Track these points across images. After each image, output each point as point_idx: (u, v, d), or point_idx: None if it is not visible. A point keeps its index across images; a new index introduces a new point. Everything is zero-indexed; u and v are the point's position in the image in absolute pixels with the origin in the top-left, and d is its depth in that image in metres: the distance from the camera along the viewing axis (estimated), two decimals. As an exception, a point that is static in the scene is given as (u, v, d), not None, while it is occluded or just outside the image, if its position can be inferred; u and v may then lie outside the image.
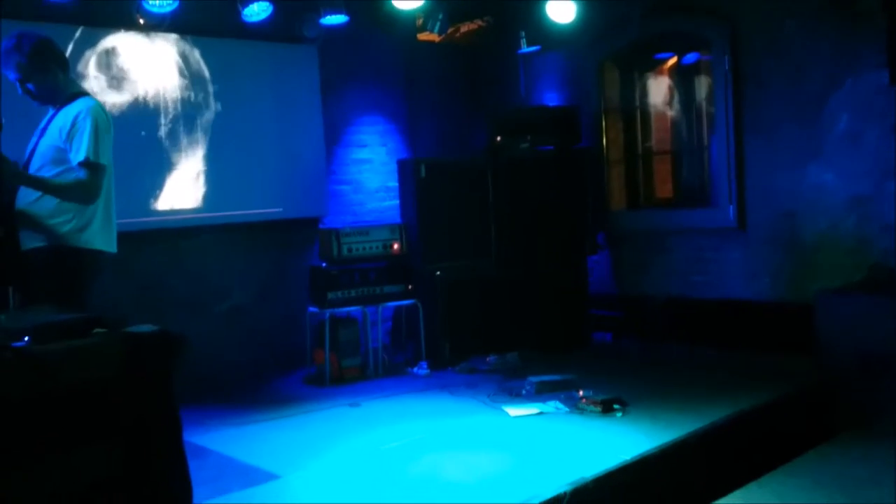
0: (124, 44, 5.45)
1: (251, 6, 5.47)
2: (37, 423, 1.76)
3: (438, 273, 6.17)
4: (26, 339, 1.89)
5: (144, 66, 5.53)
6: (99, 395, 1.92)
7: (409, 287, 6.13)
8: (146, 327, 2.05)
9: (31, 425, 1.77)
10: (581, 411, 4.64)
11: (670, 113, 6.99)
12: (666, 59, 6.94)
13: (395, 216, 6.73)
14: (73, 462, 1.87)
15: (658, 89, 7.04)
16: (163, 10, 5.22)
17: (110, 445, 1.89)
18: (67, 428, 1.86)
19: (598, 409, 4.59)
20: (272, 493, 3.74)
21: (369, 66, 6.78)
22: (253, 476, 3.95)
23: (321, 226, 6.36)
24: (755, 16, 5.94)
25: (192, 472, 2.91)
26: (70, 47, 5.17)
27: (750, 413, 4.48)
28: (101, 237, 3.78)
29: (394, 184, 6.83)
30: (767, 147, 5.94)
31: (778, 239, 5.92)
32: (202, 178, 5.82)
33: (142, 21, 5.34)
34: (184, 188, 5.74)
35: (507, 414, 4.72)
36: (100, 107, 3.84)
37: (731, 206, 6.14)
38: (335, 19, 5.86)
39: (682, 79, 6.88)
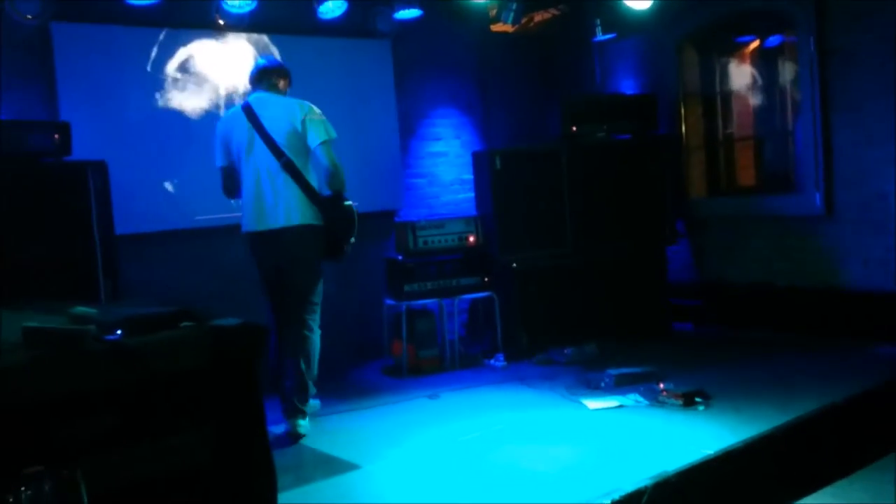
0: (204, 44, 5.60)
1: (326, 3, 5.55)
2: (128, 411, 1.83)
3: (515, 264, 6.15)
4: (119, 332, 1.97)
5: (224, 65, 5.66)
6: (187, 385, 1.98)
7: (486, 279, 6.13)
8: (231, 320, 2.11)
9: (122, 413, 1.84)
10: (662, 404, 4.56)
11: (752, 97, 6.78)
12: (747, 43, 6.73)
13: (469, 208, 6.73)
14: (164, 450, 1.93)
15: (739, 73, 6.84)
16: (241, 11, 5.35)
17: (198, 434, 1.95)
18: (157, 417, 1.93)
19: (680, 402, 4.50)
20: (353, 482, 3.80)
21: (443, 58, 6.79)
22: (334, 466, 4.02)
23: (397, 219, 6.41)
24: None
25: (275, 461, 2.98)
26: (154, 50, 5.34)
27: (840, 406, 4.32)
28: (245, 222, 4.51)
29: (468, 176, 6.83)
30: (857, 126, 5.70)
31: (869, 222, 5.67)
32: (281, 174, 5.93)
33: (221, 22, 5.47)
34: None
35: (585, 406, 4.68)
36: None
37: (818, 193, 5.93)
38: (409, 14, 5.90)
39: (765, 62, 6.67)
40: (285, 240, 4.39)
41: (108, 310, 2.27)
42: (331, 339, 6.02)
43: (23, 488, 1.33)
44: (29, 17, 4.69)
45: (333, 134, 4.45)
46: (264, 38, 5.83)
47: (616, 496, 3.28)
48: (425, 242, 6.02)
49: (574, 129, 6.45)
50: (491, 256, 6.19)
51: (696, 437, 3.96)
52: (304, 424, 4.45)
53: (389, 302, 6.04)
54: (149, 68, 5.33)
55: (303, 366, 4.42)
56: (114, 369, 1.84)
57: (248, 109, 4.46)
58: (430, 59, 6.71)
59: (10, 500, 1.33)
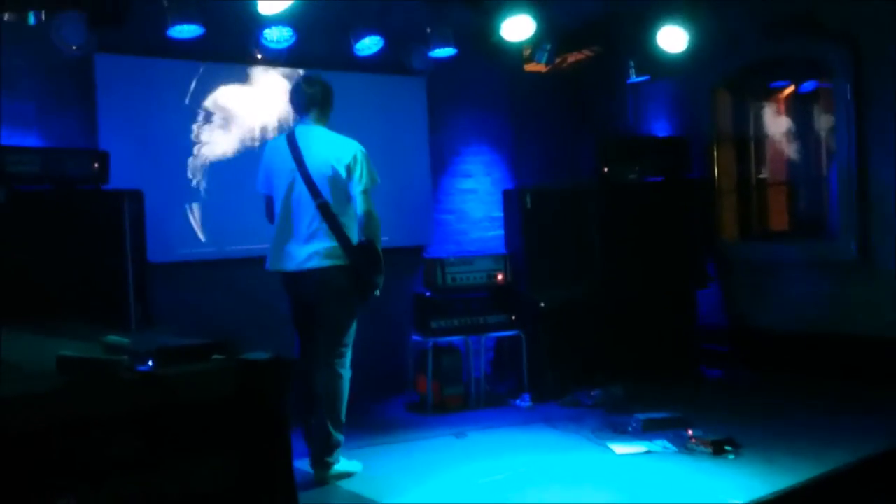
0: (242, 78, 5.68)
1: (363, 40, 5.62)
2: (154, 438, 1.84)
3: (543, 304, 6.11)
4: (150, 362, 1.98)
5: (261, 99, 5.74)
6: (215, 416, 1.99)
7: (513, 317, 6.09)
8: (260, 354, 2.11)
9: (148, 440, 1.84)
10: (690, 451, 4.47)
11: (786, 142, 6.74)
12: (782, 88, 6.71)
13: (498, 246, 6.72)
14: (187, 478, 1.93)
15: (773, 118, 6.81)
16: (280, 46, 5.43)
17: (223, 462, 1.95)
18: (183, 445, 1.93)
19: (709, 449, 4.41)
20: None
21: (476, 96, 6.84)
22: (355, 503, 3.98)
23: (425, 254, 6.42)
24: (879, 35, 5.67)
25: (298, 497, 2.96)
26: (193, 84, 5.43)
27: (875, 458, 4.21)
28: (270, 258, 4.42)
29: (498, 214, 6.84)
30: (894, 171, 5.63)
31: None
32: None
33: (259, 56, 5.56)
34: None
35: (612, 451, 4.60)
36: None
37: (853, 239, 5.85)
38: (444, 52, 5.95)
39: (800, 107, 6.64)
40: (314, 280, 4.28)
41: (140, 339, 2.28)
42: (356, 372, 6.02)
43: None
44: (74, 47, 4.80)
45: (377, 180, 4.36)
46: (301, 73, 5.91)
47: (643, 545, 3.21)
48: (454, 279, 6.01)
49: (606, 169, 6.44)
50: (519, 295, 6.16)
51: (726, 486, 3.88)
52: (332, 471, 4.30)
53: (416, 338, 6.02)
54: (187, 101, 5.43)
55: (330, 426, 4.24)
56: (143, 398, 1.85)
57: (291, 141, 4.34)
58: (463, 97, 6.76)
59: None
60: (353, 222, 4.32)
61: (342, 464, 4.33)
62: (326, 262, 4.24)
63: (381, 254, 4.31)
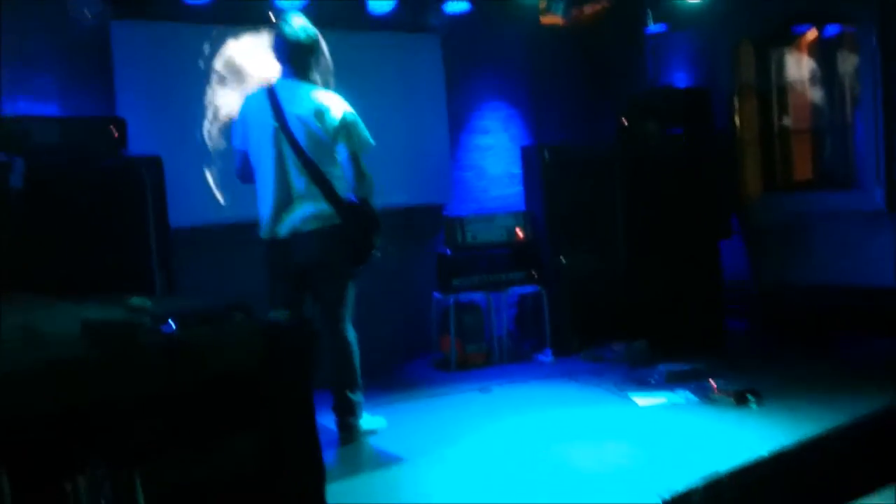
0: (256, 41, 5.65)
1: (376, -3, 5.56)
2: (180, 404, 1.86)
3: (563, 259, 6.10)
4: (172, 324, 2.00)
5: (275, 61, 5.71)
6: (238, 378, 2.01)
7: (534, 273, 6.10)
8: (283, 313, 2.13)
9: (174, 406, 1.86)
10: (713, 402, 4.48)
11: (810, 89, 6.61)
12: (805, 33, 6.56)
13: (518, 203, 6.70)
14: (213, 442, 1.96)
15: (796, 65, 6.67)
16: (293, 6, 5.37)
17: (249, 429, 1.97)
18: (208, 411, 1.95)
19: (732, 399, 4.42)
20: (400, 476, 3.81)
21: (492, 51, 6.76)
22: (381, 459, 4.05)
23: (445, 213, 6.41)
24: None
25: (322, 452, 3.01)
26: (207, 47, 5.42)
27: (899, 408, 4.20)
28: (263, 225, 4.21)
29: (517, 170, 6.80)
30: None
31: (934, 220, 5.51)
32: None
33: (274, 18, 5.52)
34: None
35: (635, 403, 4.62)
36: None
37: (880, 188, 5.75)
38: (458, 7, 5.89)
39: (823, 53, 6.49)
40: (311, 245, 4.06)
41: (162, 302, 2.31)
42: (381, 333, 6.08)
43: (81, 485, 1.36)
44: (89, 16, 4.80)
45: (369, 141, 4.16)
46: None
47: (667, 496, 3.24)
48: (474, 236, 6.02)
49: (625, 122, 6.37)
50: (539, 251, 6.16)
51: (748, 436, 3.89)
52: (357, 430, 4.27)
53: (438, 296, 6.05)
54: (202, 64, 5.42)
55: (348, 392, 4.19)
56: (166, 363, 1.87)
57: (272, 95, 4.06)
58: (479, 52, 6.68)
59: (69, 488, 1.36)
60: (343, 183, 4.11)
61: (366, 420, 4.33)
62: (321, 224, 4.04)
63: (376, 213, 4.15)
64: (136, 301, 2.16)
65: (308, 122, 4.01)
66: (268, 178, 4.09)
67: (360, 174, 4.07)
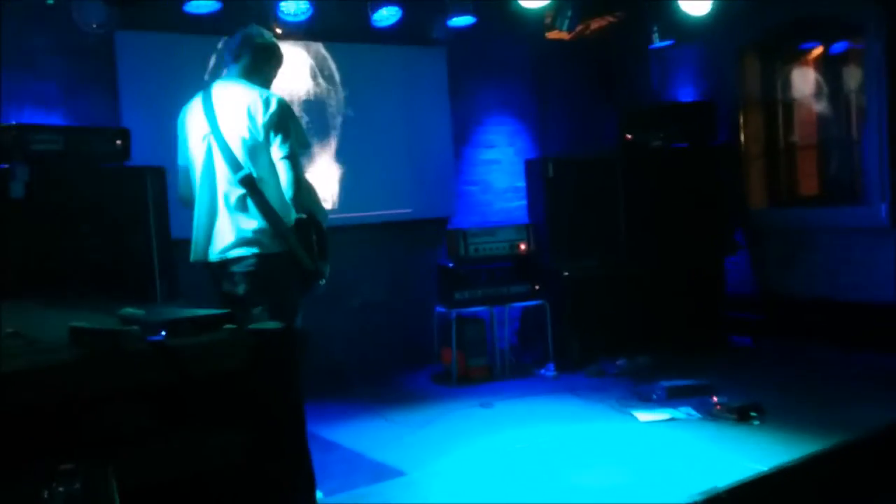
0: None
1: (380, 11, 5.58)
2: (164, 409, 1.86)
3: (567, 273, 6.08)
4: (162, 333, 2.00)
5: (279, 72, 5.73)
6: (226, 386, 2.01)
7: (537, 287, 6.07)
8: (272, 324, 2.12)
9: (158, 411, 1.87)
10: (715, 418, 4.44)
11: (816, 105, 6.59)
12: (811, 49, 6.55)
13: (522, 216, 6.69)
14: (199, 448, 1.96)
15: (803, 80, 6.66)
16: (298, 19, 5.40)
17: (235, 435, 1.97)
18: (194, 416, 1.95)
19: (734, 416, 4.38)
20: (399, 489, 3.79)
21: (497, 65, 6.77)
22: (380, 472, 4.02)
23: (449, 226, 6.41)
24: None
25: (321, 465, 2.99)
26: (212, 59, 5.44)
27: (903, 426, 4.15)
28: (192, 246, 3.60)
29: (522, 184, 6.80)
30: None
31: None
32: (335, 181, 5.99)
33: (278, 30, 5.54)
34: (319, 191, 5.91)
35: (636, 419, 4.59)
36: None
37: (884, 204, 5.72)
38: (463, 21, 5.89)
39: (830, 69, 6.48)
40: (240, 272, 3.43)
41: (154, 311, 2.31)
42: (381, 344, 6.08)
43: (55, 485, 1.36)
44: (94, 25, 4.82)
45: (307, 142, 3.64)
46: (320, 45, 5.90)
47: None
48: (476, 250, 6.00)
49: (630, 136, 6.37)
50: (542, 264, 6.14)
51: (750, 452, 3.85)
52: None
53: (440, 309, 6.04)
54: (206, 76, 5.43)
55: None
56: (153, 369, 1.87)
57: (206, 100, 3.50)
58: (484, 66, 6.69)
59: (45, 495, 1.36)
60: (280, 193, 3.43)
61: None
62: (254, 250, 3.40)
63: (324, 231, 3.52)
64: (128, 311, 2.16)
65: (239, 120, 3.41)
66: (201, 192, 3.52)
67: (297, 182, 3.41)
